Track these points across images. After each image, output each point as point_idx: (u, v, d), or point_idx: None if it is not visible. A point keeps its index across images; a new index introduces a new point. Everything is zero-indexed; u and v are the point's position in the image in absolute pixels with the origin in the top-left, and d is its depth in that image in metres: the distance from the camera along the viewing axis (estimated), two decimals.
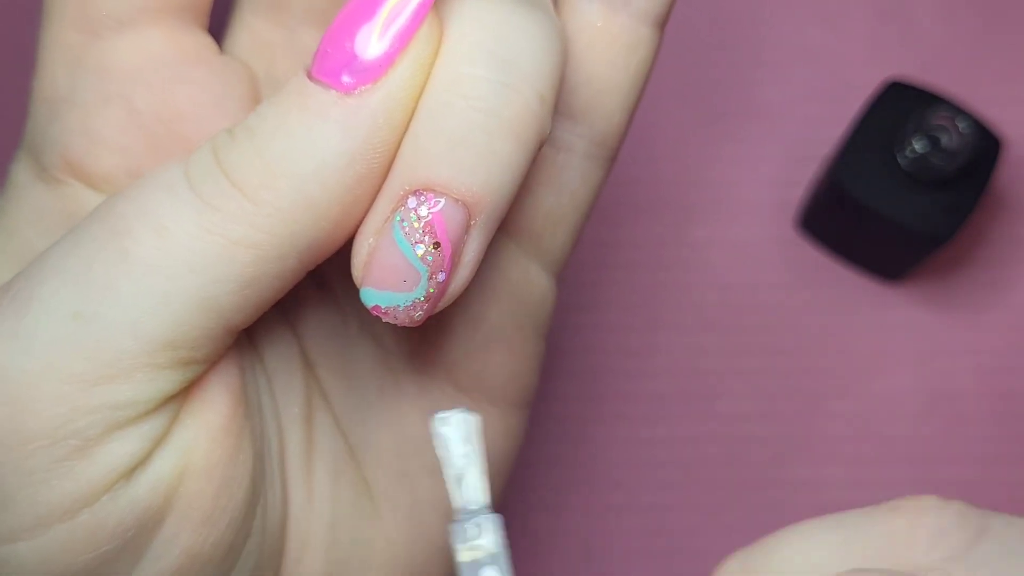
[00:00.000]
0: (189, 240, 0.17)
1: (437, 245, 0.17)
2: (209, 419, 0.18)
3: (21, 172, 0.21)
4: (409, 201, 0.17)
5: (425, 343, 0.22)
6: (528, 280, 0.22)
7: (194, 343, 0.17)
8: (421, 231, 0.17)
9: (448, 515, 0.22)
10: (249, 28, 0.22)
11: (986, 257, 0.36)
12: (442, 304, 0.18)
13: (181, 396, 0.18)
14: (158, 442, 0.18)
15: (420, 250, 0.17)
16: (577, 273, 0.36)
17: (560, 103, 0.20)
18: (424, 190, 0.17)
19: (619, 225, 0.36)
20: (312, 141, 0.17)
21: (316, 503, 0.21)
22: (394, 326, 0.22)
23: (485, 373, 0.22)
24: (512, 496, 0.34)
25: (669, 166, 0.37)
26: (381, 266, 0.17)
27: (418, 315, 0.18)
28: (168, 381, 0.17)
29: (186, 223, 0.17)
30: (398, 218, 0.17)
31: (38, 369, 0.17)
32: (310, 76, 0.17)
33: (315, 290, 0.22)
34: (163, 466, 0.18)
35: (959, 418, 0.35)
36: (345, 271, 0.22)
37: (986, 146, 0.32)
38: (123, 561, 0.17)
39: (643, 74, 0.21)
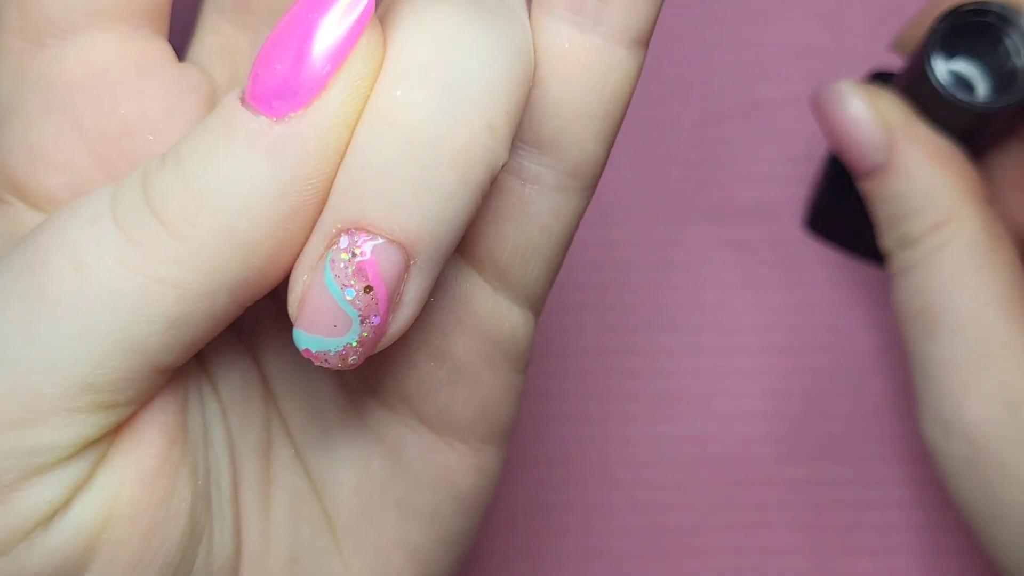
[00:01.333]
0: (109, 277, 0.16)
1: (369, 289, 0.16)
2: (138, 461, 0.17)
3: None
4: (341, 240, 0.16)
5: (388, 376, 0.20)
6: (497, 314, 0.20)
7: (115, 385, 0.16)
8: (350, 274, 0.16)
9: (418, 556, 0.21)
10: (216, 32, 0.21)
11: None
12: (381, 346, 0.17)
13: (106, 439, 0.17)
14: (79, 487, 0.17)
15: (350, 294, 0.16)
16: (577, 274, 0.36)
17: (526, 132, 0.19)
18: (356, 229, 0.16)
19: (619, 225, 0.36)
20: (239, 172, 0.16)
21: (274, 539, 0.20)
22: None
23: (452, 409, 0.21)
24: (512, 496, 0.34)
25: (668, 166, 0.37)
26: (312, 308, 0.16)
27: (352, 359, 0.17)
28: (88, 425, 0.16)
29: (106, 259, 0.16)
30: (329, 258, 0.16)
31: None
32: (242, 100, 0.16)
33: (276, 317, 0.21)
34: (85, 512, 0.17)
35: None
36: None
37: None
38: None
39: (620, 99, 0.19)
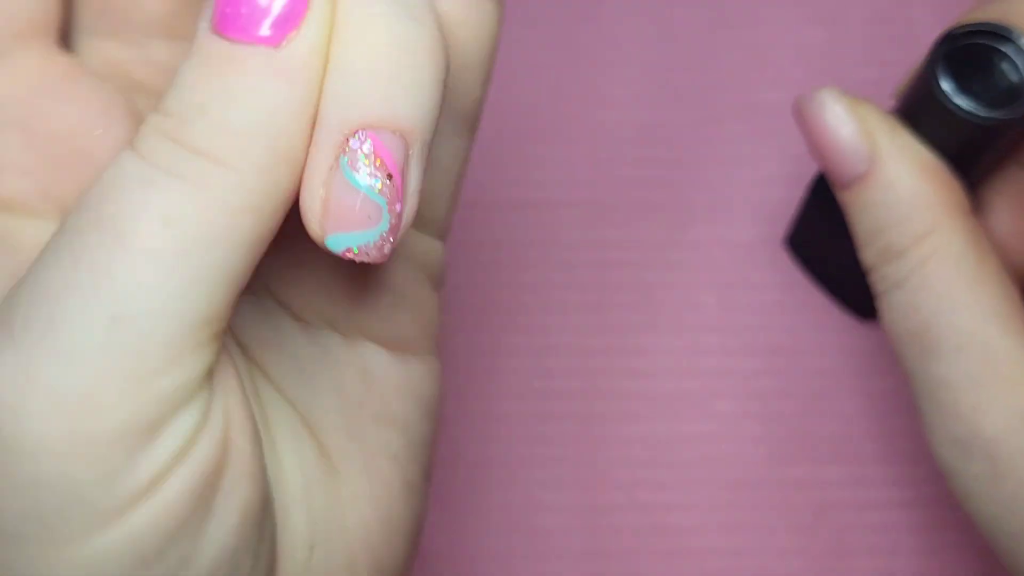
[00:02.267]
0: (196, 222, 0.17)
1: (390, 176, 0.18)
2: (230, 381, 0.20)
3: None
4: (351, 143, 0.18)
5: (339, 310, 0.23)
6: (419, 245, 0.23)
7: (223, 313, 0.18)
8: (373, 166, 0.18)
9: (399, 460, 0.23)
10: (95, 51, 0.23)
11: None
12: (400, 236, 0.18)
13: (216, 363, 0.19)
14: (209, 407, 0.19)
15: (377, 184, 0.18)
16: (577, 273, 0.36)
17: None
18: (363, 128, 0.18)
19: (619, 225, 0.36)
20: (264, 101, 0.18)
21: (287, 470, 0.22)
22: (305, 296, 0.23)
23: (401, 330, 0.23)
24: (512, 496, 0.34)
25: (668, 166, 0.37)
26: (344, 208, 0.18)
27: (387, 249, 0.18)
28: (210, 353, 0.18)
29: (187, 207, 0.17)
30: (345, 160, 0.18)
31: (92, 378, 0.17)
32: (225, 37, 0.18)
33: None
34: (215, 424, 0.19)
35: None
36: None
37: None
38: (197, 521, 0.18)
39: (493, 45, 0.21)
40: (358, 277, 0.23)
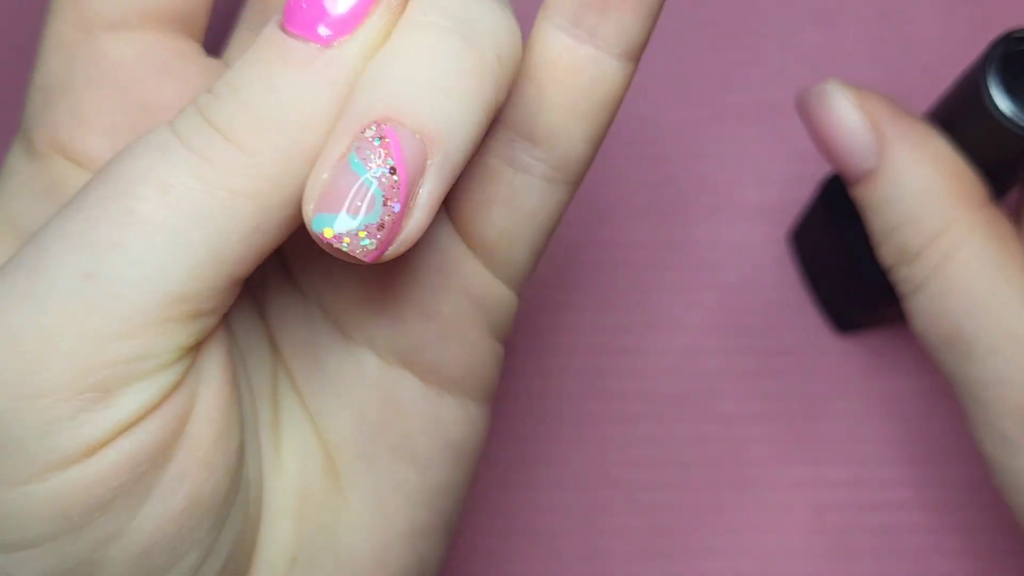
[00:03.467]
0: (192, 195, 0.17)
1: (393, 170, 0.17)
2: (211, 369, 0.19)
3: (13, 155, 0.22)
4: (366, 132, 0.18)
5: (383, 330, 0.22)
6: (484, 283, 0.22)
7: (203, 295, 0.18)
8: (377, 153, 0.17)
9: (410, 500, 0.23)
10: (242, 43, 0.24)
11: None
12: (395, 247, 0.18)
13: (195, 347, 0.19)
14: (173, 389, 0.18)
15: (376, 172, 0.17)
16: (578, 273, 0.36)
17: (521, 126, 0.21)
18: (382, 121, 0.18)
19: (619, 225, 0.36)
20: (299, 94, 0.18)
21: (285, 477, 0.22)
22: (352, 309, 0.22)
23: (442, 364, 0.23)
24: (512, 496, 0.34)
25: (669, 166, 0.37)
26: (336, 188, 0.18)
27: (371, 244, 0.18)
28: (182, 334, 0.18)
29: (187, 179, 0.18)
30: (355, 147, 0.18)
31: (53, 327, 0.17)
32: (284, 30, 0.18)
33: (279, 275, 0.23)
34: (173, 407, 0.18)
35: (958, 418, 0.35)
36: (303, 254, 0.23)
37: None
38: (133, 496, 0.18)
39: (608, 106, 0.21)
40: (406, 300, 0.22)
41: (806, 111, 0.27)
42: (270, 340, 0.23)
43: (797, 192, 0.36)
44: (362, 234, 0.18)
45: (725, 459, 0.34)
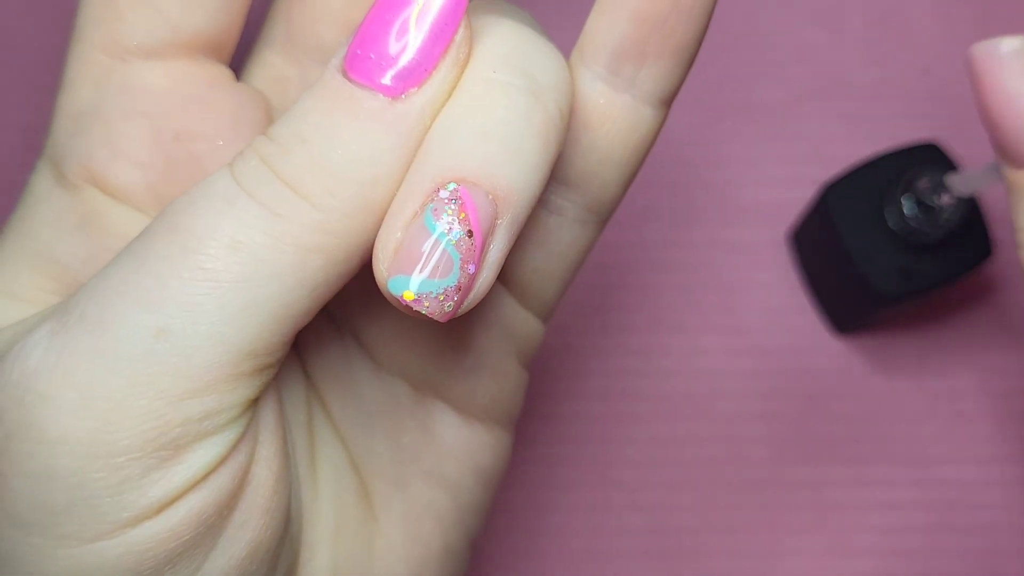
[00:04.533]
0: (263, 251, 0.17)
1: (470, 233, 0.17)
2: (268, 414, 0.19)
3: (40, 181, 0.22)
4: (440, 193, 0.17)
5: (417, 363, 0.22)
6: (516, 319, 0.23)
7: (272, 349, 0.18)
8: (456, 218, 0.17)
9: (443, 522, 0.23)
10: (266, 64, 0.23)
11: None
12: (468, 304, 0.18)
13: (257, 398, 0.19)
14: (239, 440, 0.18)
15: (456, 236, 0.17)
16: (579, 274, 0.36)
17: (556, 170, 0.21)
18: (458, 182, 0.17)
19: (620, 226, 0.36)
20: (368, 148, 0.17)
21: (321, 506, 0.22)
22: (387, 342, 0.22)
23: (474, 395, 0.23)
24: (512, 496, 0.34)
25: (669, 167, 0.37)
26: (413, 251, 0.17)
27: (448, 306, 0.18)
28: (249, 387, 0.18)
29: (257, 235, 0.17)
30: (431, 208, 0.17)
31: (125, 387, 0.17)
32: (347, 77, 0.18)
33: None
34: (240, 458, 0.18)
35: (959, 418, 0.35)
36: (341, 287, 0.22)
37: (978, 244, 0.32)
38: (200, 548, 0.18)
39: (643, 150, 0.21)
40: (441, 333, 0.22)
41: (979, 71, 0.23)
42: (303, 370, 0.23)
43: (797, 193, 0.36)
44: (441, 296, 0.17)
45: (725, 459, 0.34)
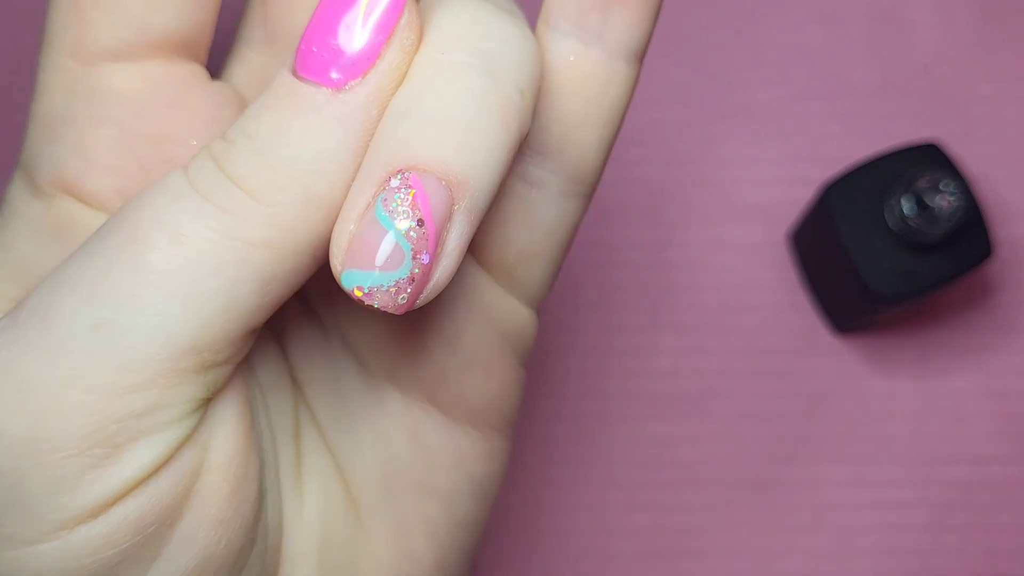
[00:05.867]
0: (206, 245, 0.17)
1: (421, 223, 0.17)
2: (226, 419, 0.19)
3: (16, 190, 0.21)
4: (391, 182, 0.17)
5: (405, 363, 0.22)
6: (505, 309, 0.22)
7: (217, 346, 0.17)
8: (405, 207, 0.17)
9: (435, 537, 0.22)
10: (246, 62, 0.23)
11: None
12: (425, 295, 0.18)
13: (207, 400, 0.18)
14: (183, 443, 0.18)
15: (404, 225, 0.17)
16: (578, 273, 0.36)
17: (533, 139, 0.20)
18: (407, 170, 0.17)
19: (620, 225, 0.36)
20: (312, 139, 0.17)
21: (307, 518, 0.21)
22: (373, 344, 0.22)
23: (465, 396, 0.22)
24: (512, 496, 0.34)
25: (669, 166, 0.37)
26: (364, 244, 0.17)
27: (402, 299, 0.17)
28: (194, 386, 0.18)
29: (201, 229, 0.17)
30: (381, 198, 0.17)
31: (63, 379, 0.17)
32: (296, 75, 0.18)
33: (299, 311, 0.23)
34: (184, 463, 0.18)
35: (959, 418, 0.35)
36: (325, 290, 0.22)
37: (978, 244, 0.32)
38: (142, 557, 0.18)
39: (619, 109, 0.20)
40: (426, 330, 0.22)
41: None
42: (291, 377, 0.22)
43: (797, 193, 0.36)
44: (392, 289, 0.17)
45: (725, 459, 0.34)
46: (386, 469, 0.22)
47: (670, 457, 0.34)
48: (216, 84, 0.22)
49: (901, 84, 0.37)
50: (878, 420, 0.35)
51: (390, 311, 0.17)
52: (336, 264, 0.17)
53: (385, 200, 0.17)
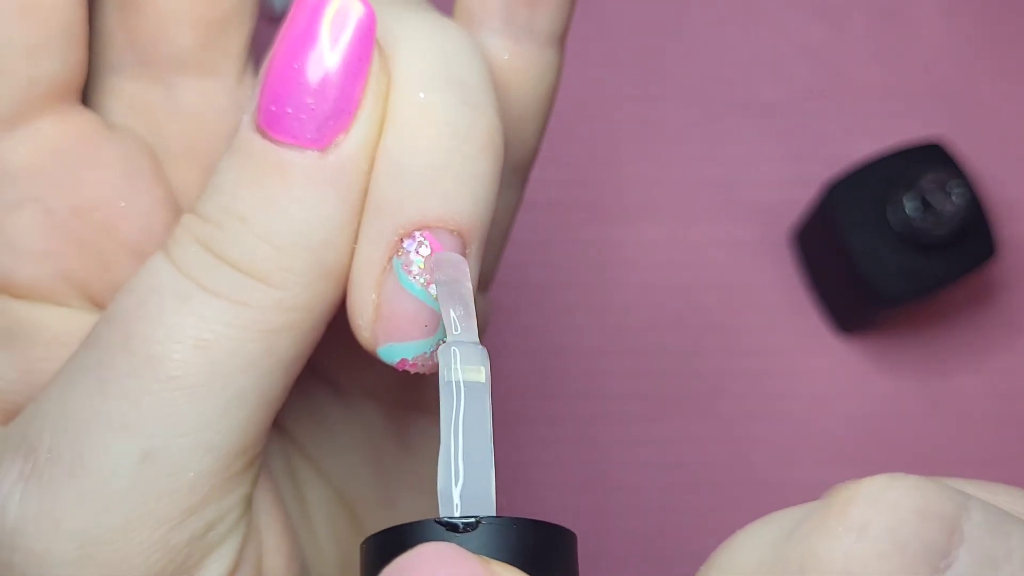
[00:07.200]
0: (230, 344, 0.16)
1: None
2: (264, 496, 0.18)
3: None
4: (405, 244, 0.16)
5: (375, 375, 0.21)
6: None
7: (259, 439, 0.17)
8: (421, 261, 0.16)
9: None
10: (117, 93, 0.20)
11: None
12: None
13: (252, 491, 0.18)
14: (245, 540, 0.17)
15: (433, 290, 0.16)
16: (577, 273, 0.36)
17: None
18: (418, 228, 0.16)
19: (619, 225, 0.36)
20: (311, 211, 0.16)
21: (323, 548, 0.21)
22: (342, 362, 0.21)
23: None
24: (512, 497, 0.34)
25: (670, 166, 0.37)
26: (398, 316, 0.16)
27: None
28: (244, 484, 0.17)
29: (222, 328, 0.16)
30: (399, 264, 0.16)
31: (122, 524, 0.16)
32: (269, 137, 0.16)
33: None
34: (250, 556, 0.17)
35: (959, 418, 0.34)
36: None
37: (981, 243, 0.32)
38: None
39: (553, 94, 0.20)
40: None
41: None
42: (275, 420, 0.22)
43: (798, 193, 0.36)
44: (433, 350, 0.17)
45: (726, 460, 0.34)
46: (382, 481, 0.22)
47: (671, 458, 0.34)
48: (115, 132, 0.20)
49: (904, 83, 0.37)
50: (878, 421, 0.34)
51: (427, 372, 0.17)
52: (366, 337, 0.17)
53: (405, 265, 0.16)
